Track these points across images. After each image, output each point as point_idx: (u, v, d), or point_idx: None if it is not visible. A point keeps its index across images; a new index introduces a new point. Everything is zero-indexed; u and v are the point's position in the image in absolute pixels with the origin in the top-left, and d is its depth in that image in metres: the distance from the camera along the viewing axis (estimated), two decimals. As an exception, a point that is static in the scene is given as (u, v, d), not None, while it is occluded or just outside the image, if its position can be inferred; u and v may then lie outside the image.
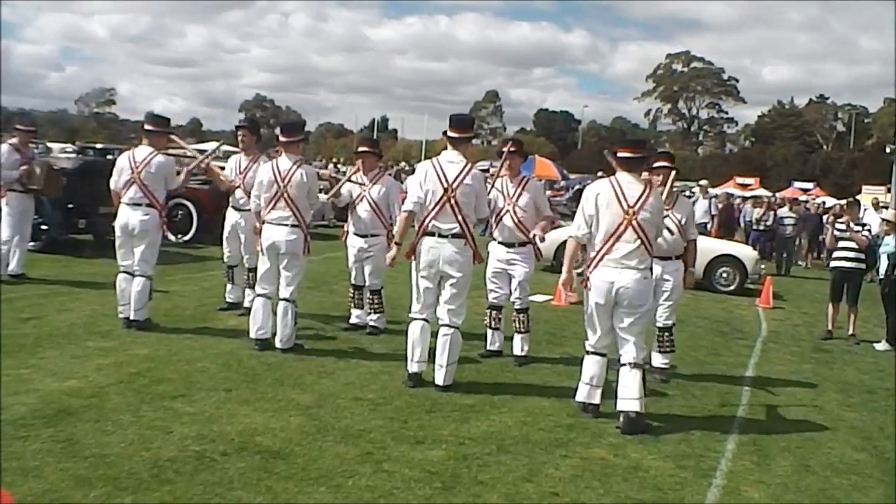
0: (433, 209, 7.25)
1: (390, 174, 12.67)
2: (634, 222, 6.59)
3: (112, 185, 8.95)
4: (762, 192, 42.82)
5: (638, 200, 6.62)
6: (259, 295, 8.33)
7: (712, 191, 30.10)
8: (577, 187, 38.20)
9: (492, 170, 9.15)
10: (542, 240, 8.56)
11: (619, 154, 6.87)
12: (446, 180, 7.25)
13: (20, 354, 7.43)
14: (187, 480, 4.96)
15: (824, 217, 22.87)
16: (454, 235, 7.25)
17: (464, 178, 7.27)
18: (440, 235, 7.25)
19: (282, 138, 8.36)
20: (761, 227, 22.88)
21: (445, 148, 7.58)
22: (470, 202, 7.31)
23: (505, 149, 8.74)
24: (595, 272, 6.69)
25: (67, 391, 6.47)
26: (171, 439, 5.61)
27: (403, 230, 7.41)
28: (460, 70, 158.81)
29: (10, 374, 6.81)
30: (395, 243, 7.44)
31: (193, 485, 4.91)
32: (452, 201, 7.22)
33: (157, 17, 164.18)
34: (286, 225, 8.19)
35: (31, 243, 12.03)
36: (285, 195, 8.15)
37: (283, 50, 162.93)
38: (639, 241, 6.61)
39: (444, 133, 7.60)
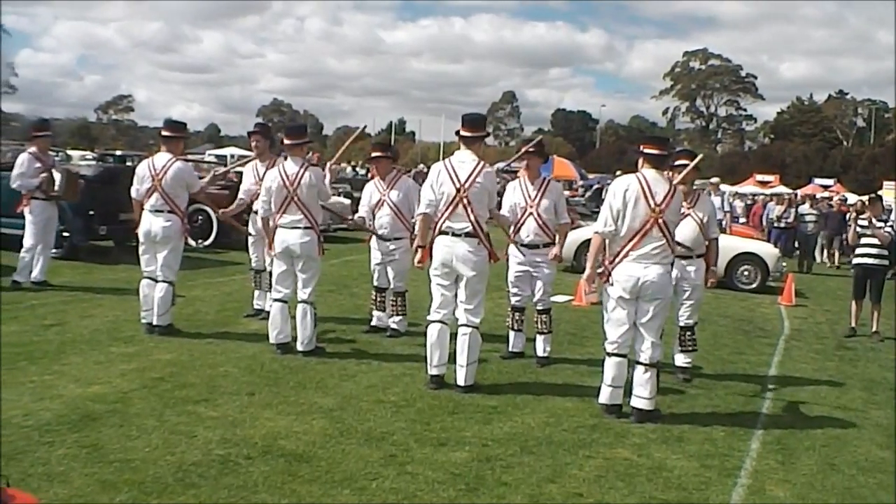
0: (446, 210, 7.26)
1: (409, 176, 12.57)
2: (661, 221, 6.60)
3: (133, 194, 8.99)
4: (782, 189, 42.64)
5: (664, 199, 6.63)
6: (276, 300, 8.35)
7: (728, 188, 29.80)
8: (595, 187, 38.21)
9: (514, 166, 9.10)
10: (560, 260, 8.59)
11: (645, 150, 6.88)
12: (458, 180, 7.24)
13: (44, 360, 7.48)
14: (212, 484, 4.98)
15: (847, 215, 22.47)
16: (467, 234, 7.25)
17: (476, 177, 7.25)
18: (453, 235, 7.26)
19: (286, 141, 8.35)
20: (782, 225, 22.76)
21: (459, 148, 7.58)
22: (483, 201, 7.32)
23: (525, 148, 8.71)
24: (619, 267, 6.70)
25: (91, 397, 6.51)
26: (195, 443, 5.63)
27: (424, 232, 7.43)
28: (476, 71, 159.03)
29: (35, 380, 6.86)
30: (419, 246, 7.46)
31: (218, 489, 4.93)
32: (465, 201, 7.21)
33: (173, 24, 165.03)
34: (299, 227, 8.18)
35: (53, 250, 12.06)
36: (295, 198, 8.14)
37: (299, 54, 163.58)
38: (664, 240, 6.65)
39: (457, 132, 7.59)
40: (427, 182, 7.46)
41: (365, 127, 11.65)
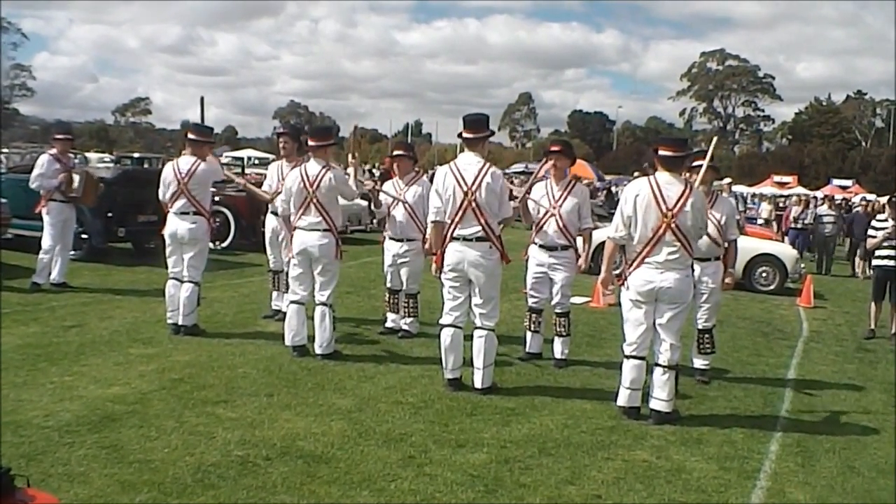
0: (456, 215, 7.18)
1: (427, 177, 12.55)
2: (673, 225, 6.50)
3: (161, 197, 9.10)
4: (800, 190, 42.45)
5: (677, 202, 6.51)
6: (292, 302, 8.34)
7: (745, 189, 29.53)
8: (606, 188, 38.16)
9: (534, 171, 9.06)
10: (584, 269, 8.58)
11: (660, 152, 6.72)
12: (465, 183, 7.15)
13: (64, 362, 7.53)
14: (231, 485, 5.00)
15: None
16: (478, 239, 7.17)
17: (483, 178, 7.14)
18: (464, 240, 7.19)
19: (311, 143, 8.34)
20: (800, 226, 22.63)
21: (462, 150, 7.52)
22: (492, 203, 7.18)
23: (551, 148, 8.66)
24: (635, 273, 6.65)
25: (111, 398, 6.54)
26: (214, 444, 5.65)
27: (437, 239, 7.36)
28: (492, 73, 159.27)
29: (55, 381, 6.90)
30: (432, 253, 7.43)
31: (237, 489, 4.95)
32: (474, 204, 7.12)
33: (188, 27, 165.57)
34: (317, 230, 8.16)
35: (72, 252, 12.15)
36: (314, 200, 8.12)
37: (315, 56, 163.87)
38: (679, 244, 6.54)
39: (459, 135, 7.52)
40: (433, 187, 7.41)
41: (357, 125, 11.71)
